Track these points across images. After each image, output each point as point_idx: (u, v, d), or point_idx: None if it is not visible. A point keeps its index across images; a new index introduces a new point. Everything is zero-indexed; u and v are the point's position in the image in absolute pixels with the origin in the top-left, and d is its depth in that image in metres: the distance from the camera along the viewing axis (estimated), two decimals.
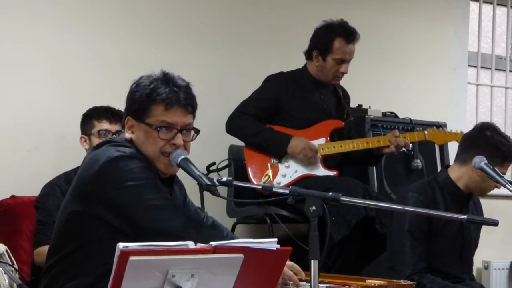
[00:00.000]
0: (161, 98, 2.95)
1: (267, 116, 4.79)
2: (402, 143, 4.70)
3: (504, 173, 3.98)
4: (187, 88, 3.01)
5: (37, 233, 4.24)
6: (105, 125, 4.29)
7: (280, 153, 4.68)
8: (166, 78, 3.00)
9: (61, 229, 3.01)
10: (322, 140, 4.74)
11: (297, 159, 4.68)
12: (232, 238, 2.81)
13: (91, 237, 2.90)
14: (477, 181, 3.99)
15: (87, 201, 2.90)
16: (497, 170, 3.93)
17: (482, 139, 4.01)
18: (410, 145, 5.23)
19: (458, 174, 4.04)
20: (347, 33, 4.75)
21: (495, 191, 4.61)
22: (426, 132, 4.83)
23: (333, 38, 4.74)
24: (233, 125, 4.77)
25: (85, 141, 4.34)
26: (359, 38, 4.79)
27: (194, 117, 3.04)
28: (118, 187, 2.85)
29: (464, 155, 4.03)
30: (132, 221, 2.81)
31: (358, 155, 4.80)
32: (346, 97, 5.04)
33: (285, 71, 4.92)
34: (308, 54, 4.85)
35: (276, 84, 4.81)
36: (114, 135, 4.28)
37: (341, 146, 4.74)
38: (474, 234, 4.15)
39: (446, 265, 4.01)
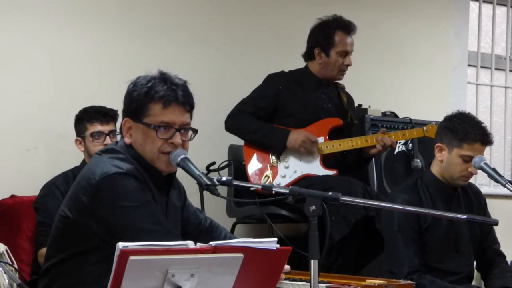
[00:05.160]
0: (159, 95, 2.94)
1: (266, 115, 4.81)
2: (389, 142, 4.70)
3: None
4: (184, 87, 3.01)
5: (39, 234, 4.24)
6: (97, 127, 4.28)
7: (280, 148, 4.70)
8: (164, 77, 2.99)
9: (57, 234, 3.00)
10: (321, 139, 4.75)
11: (298, 153, 4.68)
12: (230, 239, 2.80)
13: (85, 247, 2.89)
14: (442, 167, 4.00)
15: (81, 212, 2.89)
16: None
17: (442, 124, 4.06)
18: (410, 144, 5.23)
19: (436, 168, 4.05)
20: (345, 25, 4.81)
21: (495, 191, 4.61)
22: (424, 128, 4.83)
23: (333, 32, 4.78)
24: (232, 122, 4.78)
25: (80, 143, 4.34)
26: (357, 29, 4.83)
27: (191, 116, 3.03)
28: (112, 206, 2.84)
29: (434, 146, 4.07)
30: (121, 241, 2.77)
31: (349, 159, 4.82)
32: (350, 102, 5.04)
33: (286, 70, 4.92)
34: (309, 54, 4.86)
35: (276, 83, 4.82)
36: (107, 136, 4.27)
37: (340, 144, 4.75)
38: (471, 226, 4.08)
39: (442, 262, 4.00)
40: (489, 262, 4.19)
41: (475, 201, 4.19)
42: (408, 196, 4.00)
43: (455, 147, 3.95)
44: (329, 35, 4.78)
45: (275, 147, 4.71)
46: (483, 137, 3.96)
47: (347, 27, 4.80)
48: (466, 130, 3.94)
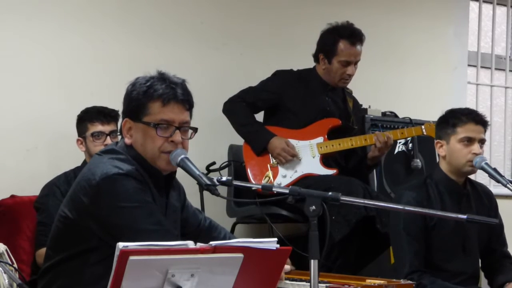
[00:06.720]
0: (158, 94, 2.94)
1: (265, 107, 4.86)
2: (382, 137, 4.70)
3: (482, 140, 3.97)
4: (183, 85, 3.01)
5: (38, 234, 4.24)
6: (98, 127, 4.29)
7: (259, 149, 4.71)
8: (162, 76, 3.00)
9: (57, 234, 3.00)
10: (320, 139, 4.75)
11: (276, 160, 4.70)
12: (230, 239, 2.80)
13: (85, 248, 2.90)
14: (447, 161, 4.01)
15: (81, 213, 2.90)
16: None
17: (437, 123, 4.11)
18: (410, 145, 5.23)
19: (443, 164, 4.05)
20: (351, 35, 4.76)
21: (495, 191, 4.60)
22: (423, 126, 4.84)
23: (337, 40, 4.76)
24: (229, 108, 4.82)
25: (81, 143, 4.35)
26: (365, 39, 4.79)
27: (191, 115, 3.03)
28: (112, 207, 2.84)
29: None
30: (121, 241, 2.76)
31: (351, 165, 4.83)
32: (356, 107, 5.03)
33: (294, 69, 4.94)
34: (316, 57, 4.87)
35: (282, 80, 4.84)
36: (108, 136, 4.27)
37: (339, 144, 4.75)
38: (480, 226, 4.03)
39: (449, 261, 3.98)
40: (495, 262, 4.18)
41: (487, 201, 4.18)
42: (416, 194, 3.99)
43: (451, 135, 3.97)
44: (333, 42, 4.76)
45: (255, 147, 4.73)
46: (473, 116, 3.99)
47: (353, 37, 4.75)
48: (456, 116, 3.99)
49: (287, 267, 3.29)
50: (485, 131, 4.01)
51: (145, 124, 2.95)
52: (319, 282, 2.78)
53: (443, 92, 6.15)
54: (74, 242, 2.92)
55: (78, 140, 4.37)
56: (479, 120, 3.99)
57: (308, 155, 4.72)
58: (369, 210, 4.47)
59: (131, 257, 2.22)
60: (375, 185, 5.11)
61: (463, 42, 6.32)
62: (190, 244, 2.34)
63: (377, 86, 5.81)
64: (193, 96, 3.03)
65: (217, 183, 2.85)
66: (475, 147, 3.93)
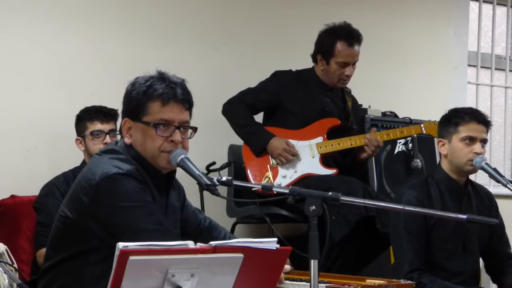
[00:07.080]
0: (157, 93, 2.94)
1: (264, 108, 4.86)
2: (375, 142, 4.70)
3: (484, 140, 3.97)
4: (183, 85, 3.01)
5: (38, 234, 4.24)
6: (97, 125, 4.29)
7: (258, 150, 4.72)
8: (162, 76, 3.00)
9: (57, 234, 3.00)
10: (319, 139, 4.75)
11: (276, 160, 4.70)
12: (230, 239, 2.80)
13: (85, 248, 2.90)
14: (448, 159, 4.01)
15: (81, 213, 2.90)
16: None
17: (439, 122, 4.11)
18: (410, 144, 5.23)
19: (444, 163, 4.05)
20: (348, 35, 4.75)
21: (495, 191, 4.61)
22: (422, 125, 4.85)
23: (335, 41, 4.75)
24: (228, 109, 4.82)
25: (80, 142, 4.35)
26: (362, 39, 4.78)
27: (190, 115, 3.03)
28: (112, 207, 2.84)
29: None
30: (121, 241, 2.76)
31: (348, 162, 4.84)
32: (355, 106, 5.03)
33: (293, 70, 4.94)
34: (314, 58, 4.87)
35: (281, 80, 4.84)
36: (107, 135, 4.28)
37: (339, 144, 4.75)
38: (481, 226, 4.03)
39: (449, 260, 3.98)
40: (500, 264, 4.17)
41: (487, 202, 4.17)
42: (417, 193, 3.99)
43: (453, 134, 3.98)
44: (331, 44, 4.75)
45: (254, 148, 4.73)
46: (476, 115, 3.99)
47: (350, 38, 4.74)
48: (459, 115, 4.00)
49: (287, 267, 3.29)
50: (487, 131, 4.02)
51: (145, 123, 2.95)
52: (319, 282, 2.78)
53: (443, 92, 6.15)
54: (74, 242, 2.92)
55: (77, 139, 4.37)
56: (481, 119, 4.00)
57: (308, 155, 4.73)
58: (369, 210, 4.47)
59: (131, 257, 2.22)
60: (375, 185, 5.10)
61: (463, 42, 6.32)
62: (190, 244, 2.34)
63: (377, 86, 5.81)
64: (193, 96, 3.03)
65: (217, 183, 2.85)
66: (477, 147, 3.94)
